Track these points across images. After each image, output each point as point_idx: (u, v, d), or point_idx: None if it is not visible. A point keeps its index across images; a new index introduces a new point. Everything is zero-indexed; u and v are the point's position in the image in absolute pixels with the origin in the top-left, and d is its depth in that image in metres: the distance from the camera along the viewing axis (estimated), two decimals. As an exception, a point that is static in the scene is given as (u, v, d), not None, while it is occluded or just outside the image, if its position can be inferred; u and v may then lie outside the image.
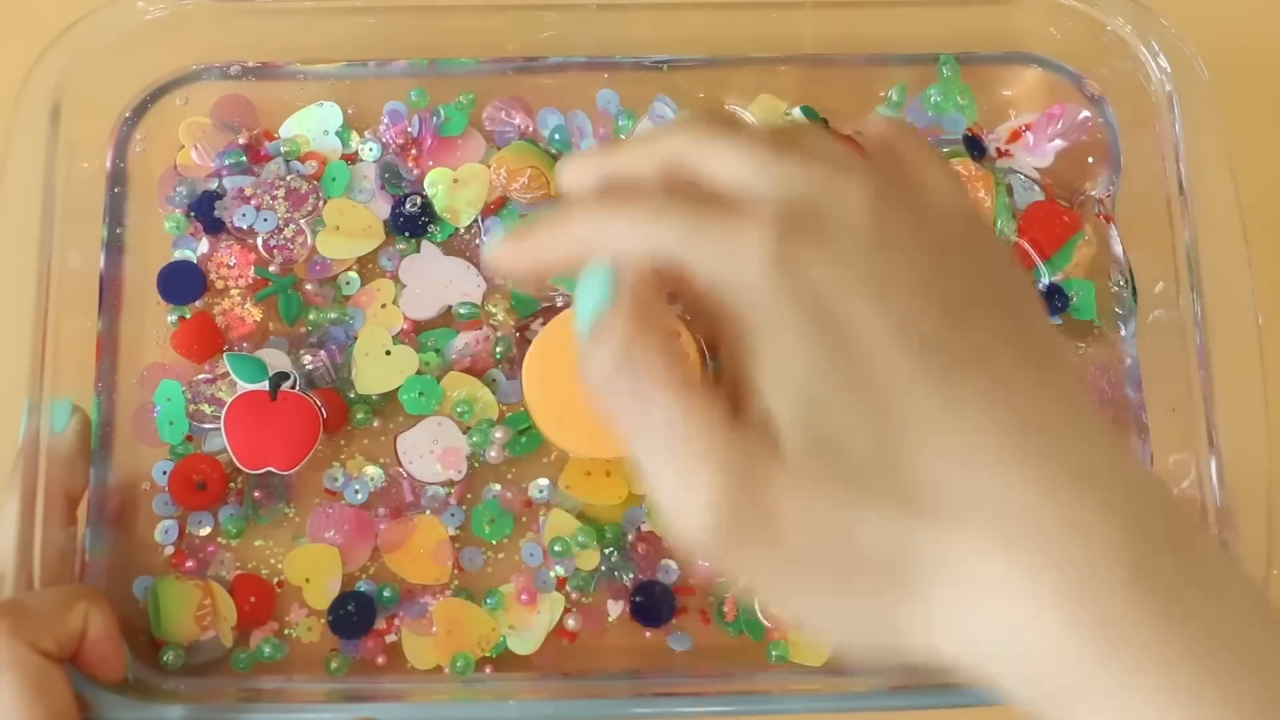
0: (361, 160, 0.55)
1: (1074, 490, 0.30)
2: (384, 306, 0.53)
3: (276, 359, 0.51)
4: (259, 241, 0.53)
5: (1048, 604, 0.30)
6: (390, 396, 0.51)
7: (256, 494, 0.50)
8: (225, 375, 0.50)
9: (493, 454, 0.51)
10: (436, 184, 0.54)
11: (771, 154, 0.34)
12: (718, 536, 0.32)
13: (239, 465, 0.49)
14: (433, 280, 0.53)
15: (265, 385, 0.49)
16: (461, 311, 0.53)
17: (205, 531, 0.50)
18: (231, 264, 0.53)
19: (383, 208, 0.54)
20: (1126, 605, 0.29)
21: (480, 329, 0.52)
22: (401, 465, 0.51)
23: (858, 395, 0.31)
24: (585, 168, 0.36)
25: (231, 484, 0.50)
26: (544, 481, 0.51)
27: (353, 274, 0.53)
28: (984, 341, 0.32)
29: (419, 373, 0.52)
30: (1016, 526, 0.30)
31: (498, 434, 0.51)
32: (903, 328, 0.31)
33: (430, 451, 0.51)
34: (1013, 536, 0.30)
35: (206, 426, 0.50)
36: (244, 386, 0.50)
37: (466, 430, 0.51)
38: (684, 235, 0.33)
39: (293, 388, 0.49)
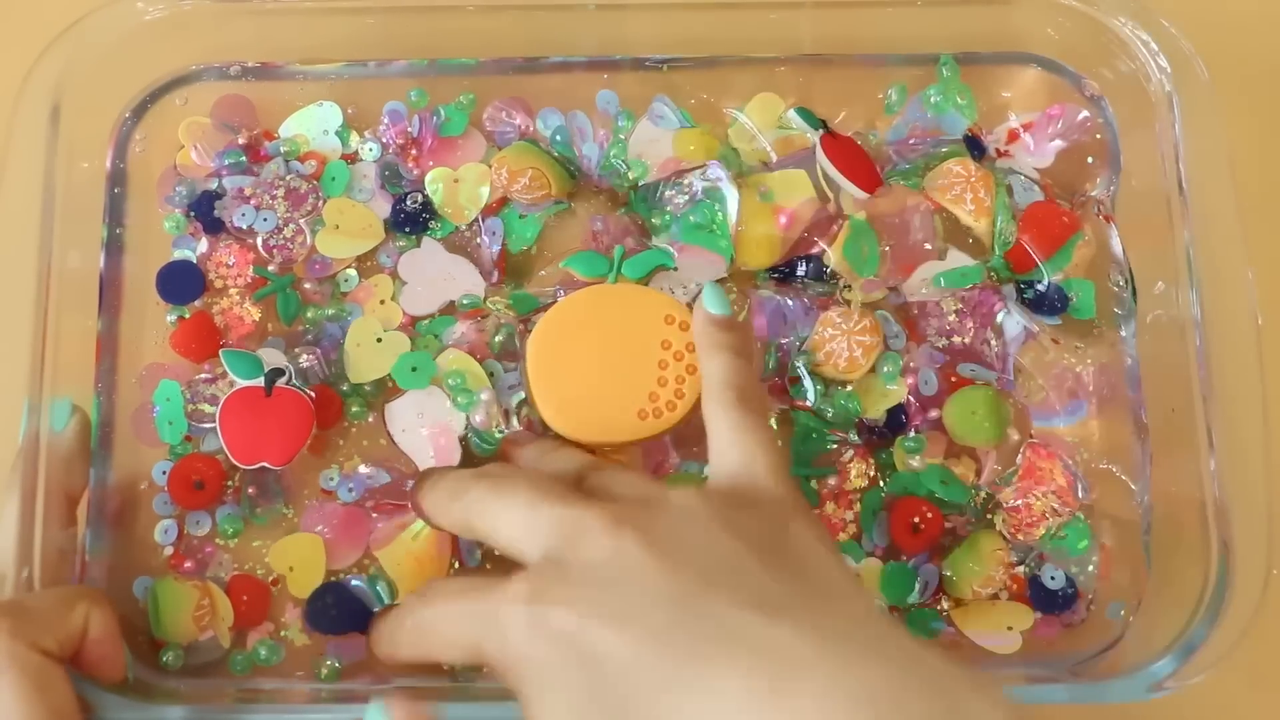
0: (361, 160, 0.55)
1: None
2: (382, 302, 0.53)
3: (273, 356, 0.51)
4: (258, 241, 0.53)
5: None
6: (384, 386, 0.51)
7: (251, 490, 0.50)
8: (224, 375, 0.50)
9: (478, 418, 0.51)
10: (437, 182, 0.54)
11: (529, 511, 0.40)
12: None
13: (234, 461, 0.49)
14: (433, 277, 0.53)
15: (260, 381, 0.49)
16: (464, 301, 0.53)
17: (203, 532, 0.50)
18: (231, 263, 0.53)
19: (383, 207, 0.54)
20: None
21: (479, 318, 0.52)
22: (392, 438, 0.51)
23: None
24: None
25: (229, 482, 0.50)
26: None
27: (351, 271, 0.53)
28: (719, 620, 0.35)
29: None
30: None
31: (483, 396, 0.51)
32: (638, 644, 0.35)
33: (418, 418, 0.51)
34: None
35: (205, 426, 0.50)
36: (241, 384, 0.50)
37: (456, 398, 0.51)
38: (470, 624, 0.39)
39: (288, 383, 0.49)
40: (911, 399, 0.52)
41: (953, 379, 0.52)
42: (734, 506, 0.40)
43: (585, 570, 0.37)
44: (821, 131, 0.54)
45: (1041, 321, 0.53)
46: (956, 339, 0.53)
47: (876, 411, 0.52)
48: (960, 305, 0.53)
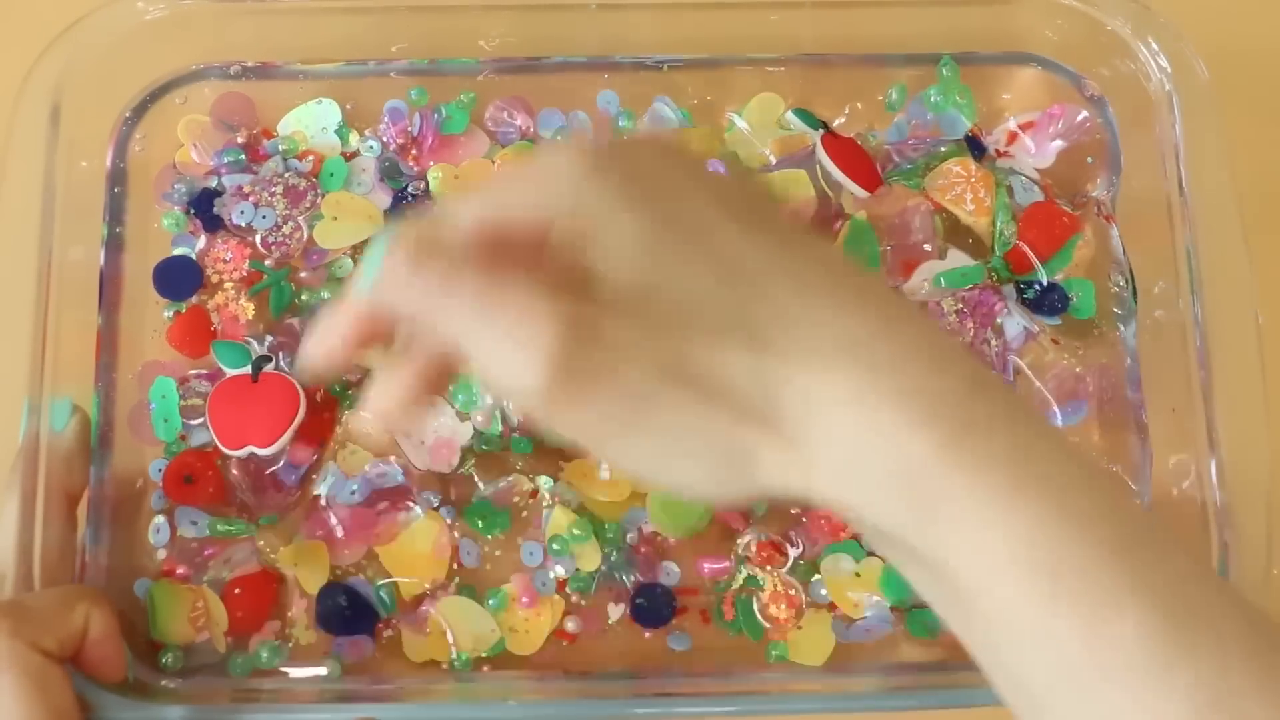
0: (361, 156, 0.55)
1: (907, 322, 0.32)
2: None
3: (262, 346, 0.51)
4: (257, 239, 0.53)
5: (903, 420, 0.31)
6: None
7: (235, 471, 0.50)
8: (219, 370, 0.50)
9: (479, 420, 0.51)
10: (439, 174, 0.54)
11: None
12: (558, 390, 0.31)
13: (221, 448, 0.49)
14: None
15: (249, 369, 0.49)
16: None
17: (198, 533, 0.50)
18: (228, 259, 0.53)
19: (383, 199, 0.54)
20: (971, 412, 0.31)
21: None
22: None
23: (691, 245, 0.32)
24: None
25: (228, 481, 0.50)
26: (545, 479, 0.51)
27: (347, 259, 0.53)
28: (794, 237, 0.33)
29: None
30: (867, 356, 0.31)
31: (488, 399, 0.50)
32: (726, 205, 0.33)
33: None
34: (865, 366, 0.31)
35: (198, 422, 0.50)
36: (230, 374, 0.50)
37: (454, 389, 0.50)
38: (504, 187, 0.33)
39: (275, 369, 0.49)
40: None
41: (953, 379, 0.52)
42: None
43: (644, 150, 0.35)
44: (822, 131, 0.54)
45: (1042, 322, 0.53)
46: (957, 339, 0.53)
47: (876, 411, 0.52)
48: (960, 305, 0.53)
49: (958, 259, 0.54)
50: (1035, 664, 0.31)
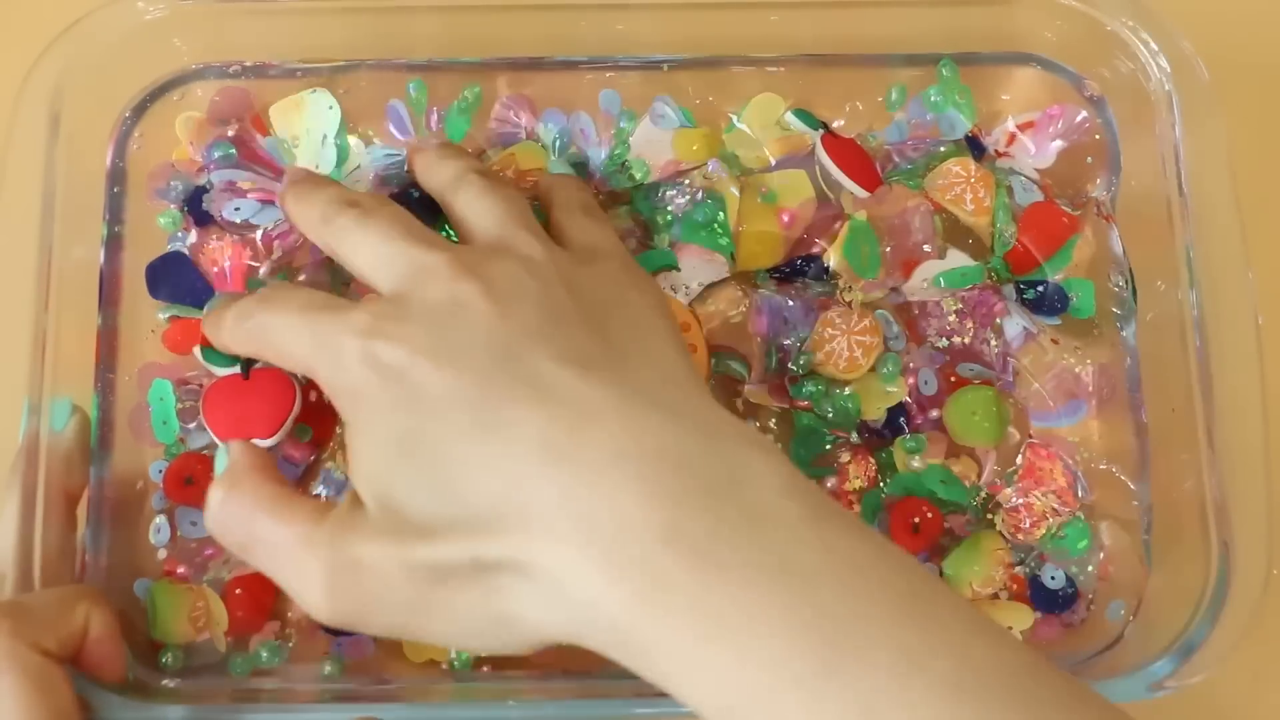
0: (360, 156, 0.54)
1: (606, 473, 0.35)
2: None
3: None
4: (258, 235, 0.53)
5: (596, 577, 0.34)
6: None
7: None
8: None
9: None
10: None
11: (386, 245, 0.42)
12: (339, 608, 0.38)
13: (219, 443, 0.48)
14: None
15: (238, 369, 0.49)
16: None
17: (199, 534, 0.49)
18: (228, 257, 0.52)
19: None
20: (662, 563, 0.34)
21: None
22: None
23: (419, 456, 0.37)
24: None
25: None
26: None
27: None
28: (537, 369, 0.38)
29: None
30: (564, 519, 0.35)
31: None
32: (461, 383, 0.37)
33: None
34: (561, 528, 0.35)
35: (192, 425, 0.50)
36: (219, 374, 0.49)
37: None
38: (309, 344, 0.41)
39: (265, 364, 0.49)
40: (911, 399, 0.52)
41: (952, 379, 0.52)
42: (578, 263, 0.43)
43: (424, 310, 0.39)
44: (822, 132, 0.54)
45: (1041, 322, 0.53)
46: (956, 339, 0.53)
47: (876, 412, 0.52)
48: (960, 305, 0.53)
49: (957, 259, 0.54)
50: None
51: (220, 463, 0.44)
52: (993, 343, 0.53)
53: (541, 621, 0.36)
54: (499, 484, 0.36)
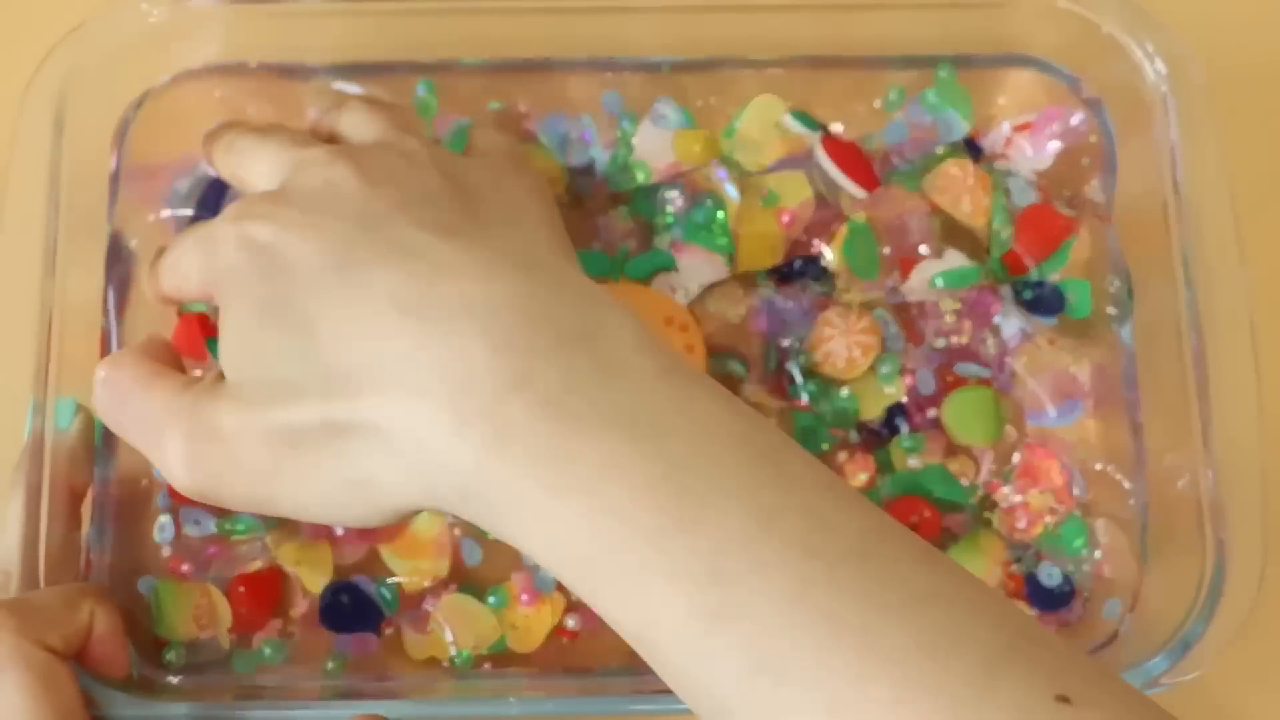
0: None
1: (456, 324, 0.35)
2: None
3: None
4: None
5: (444, 428, 0.34)
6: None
7: None
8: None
9: None
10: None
11: (277, 153, 0.43)
12: (197, 477, 0.39)
13: None
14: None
15: None
16: None
17: (202, 532, 0.50)
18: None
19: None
20: (511, 411, 0.34)
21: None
22: None
23: (279, 322, 0.37)
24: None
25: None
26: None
27: None
28: (399, 234, 0.38)
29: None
30: (413, 371, 0.35)
31: None
32: (324, 249, 0.37)
33: None
34: (411, 381, 0.35)
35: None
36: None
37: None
38: (196, 251, 0.43)
39: None
40: (909, 399, 0.52)
41: (950, 379, 0.53)
42: (457, 156, 0.44)
43: (296, 193, 0.40)
44: (821, 134, 0.54)
45: (1038, 322, 0.53)
46: (954, 339, 0.53)
47: (874, 411, 0.52)
48: (958, 306, 0.53)
49: (955, 260, 0.54)
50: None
51: None
52: (990, 343, 0.53)
53: (396, 485, 0.36)
54: (354, 345, 0.36)
